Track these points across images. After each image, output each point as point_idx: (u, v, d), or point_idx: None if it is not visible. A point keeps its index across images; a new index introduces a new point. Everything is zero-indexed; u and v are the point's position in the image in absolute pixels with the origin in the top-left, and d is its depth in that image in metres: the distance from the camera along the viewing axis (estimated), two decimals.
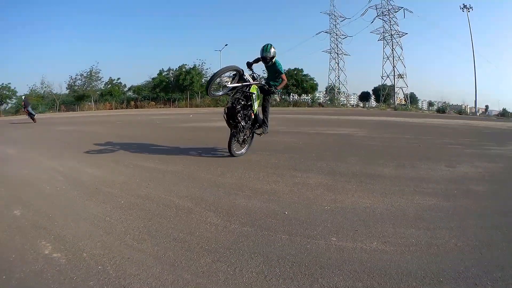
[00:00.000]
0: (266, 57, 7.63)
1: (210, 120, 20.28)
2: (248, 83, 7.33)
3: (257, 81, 7.59)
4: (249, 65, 7.65)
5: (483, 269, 2.95)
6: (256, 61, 7.82)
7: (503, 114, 65.80)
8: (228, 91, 7.16)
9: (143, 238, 3.49)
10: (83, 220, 3.97)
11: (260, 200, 4.72)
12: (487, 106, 75.61)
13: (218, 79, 7.03)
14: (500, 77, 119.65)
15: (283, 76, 7.97)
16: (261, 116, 8.16)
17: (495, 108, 75.04)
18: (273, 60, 7.74)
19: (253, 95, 7.50)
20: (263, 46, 7.64)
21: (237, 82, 7.19)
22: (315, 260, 3.01)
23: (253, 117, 7.82)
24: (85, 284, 2.61)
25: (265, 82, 7.95)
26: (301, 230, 3.69)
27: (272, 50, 7.64)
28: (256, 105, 7.76)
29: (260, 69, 8.44)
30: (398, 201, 4.79)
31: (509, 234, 3.80)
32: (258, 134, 8.36)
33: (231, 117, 7.28)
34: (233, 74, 7.28)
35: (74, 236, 3.51)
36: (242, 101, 7.36)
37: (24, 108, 24.20)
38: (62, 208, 4.40)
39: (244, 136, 7.87)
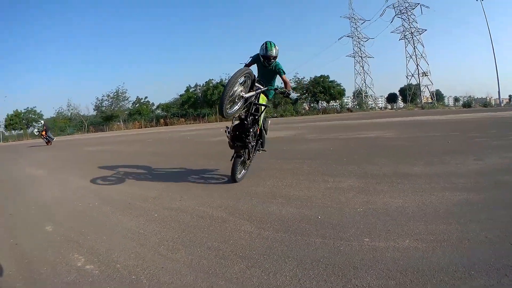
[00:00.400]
0: (269, 57, 6.31)
1: None
2: (259, 90, 6.17)
3: (265, 87, 6.35)
4: (248, 67, 6.17)
5: None
6: (253, 61, 6.58)
7: None
8: (244, 103, 5.90)
9: (177, 248, 3.53)
10: (116, 234, 4.05)
11: (293, 207, 4.72)
12: (510, 96, 74.93)
13: (231, 92, 5.42)
14: None
15: (285, 77, 6.55)
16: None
17: None
18: (276, 60, 6.44)
19: (264, 107, 6.40)
20: (266, 44, 6.29)
21: (250, 89, 5.98)
22: (348, 261, 3.02)
23: (258, 132, 6.64)
24: None
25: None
26: (334, 232, 3.69)
27: (276, 48, 6.34)
28: (262, 118, 6.59)
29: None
30: (429, 198, 4.79)
31: None
32: (264, 150, 7.14)
33: (238, 137, 6.16)
34: (242, 81, 5.77)
35: (107, 249, 3.58)
36: (252, 115, 6.16)
37: (39, 132, 25.42)
38: (95, 224, 4.49)
39: (251, 156, 6.66)
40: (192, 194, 5.73)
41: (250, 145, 6.23)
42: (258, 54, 6.43)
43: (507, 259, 2.94)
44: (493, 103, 70.41)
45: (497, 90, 63.23)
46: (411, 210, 4.34)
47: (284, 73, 6.53)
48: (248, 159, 6.56)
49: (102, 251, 3.51)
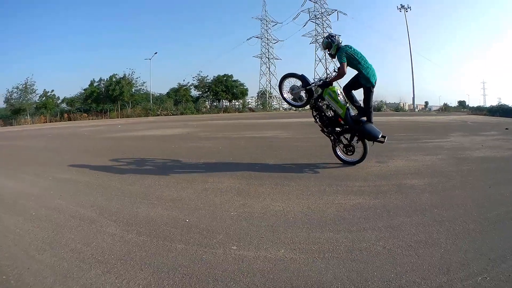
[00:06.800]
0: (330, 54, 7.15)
1: (136, 130, 20.33)
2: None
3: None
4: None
5: (421, 275, 2.67)
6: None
7: (444, 108, 68.36)
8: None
9: (44, 248, 3.55)
10: None
11: (163, 208, 4.78)
12: (426, 102, 77.93)
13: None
14: (441, 74, 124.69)
15: (340, 65, 6.82)
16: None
17: (436, 104, 77.99)
18: (335, 51, 6.98)
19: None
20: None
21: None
22: (208, 272, 2.88)
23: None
24: None
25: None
26: (199, 238, 3.62)
27: (323, 44, 7.35)
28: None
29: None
30: (316, 202, 4.67)
31: (455, 229, 3.60)
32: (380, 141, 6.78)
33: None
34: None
35: None
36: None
37: None
38: None
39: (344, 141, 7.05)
40: (71, 192, 5.81)
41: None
42: None
43: (412, 274, 2.69)
44: (406, 109, 73.87)
45: (412, 97, 66.92)
46: (293, 215, 4.21)
47: (340, 62, 6.80)
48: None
49: None
